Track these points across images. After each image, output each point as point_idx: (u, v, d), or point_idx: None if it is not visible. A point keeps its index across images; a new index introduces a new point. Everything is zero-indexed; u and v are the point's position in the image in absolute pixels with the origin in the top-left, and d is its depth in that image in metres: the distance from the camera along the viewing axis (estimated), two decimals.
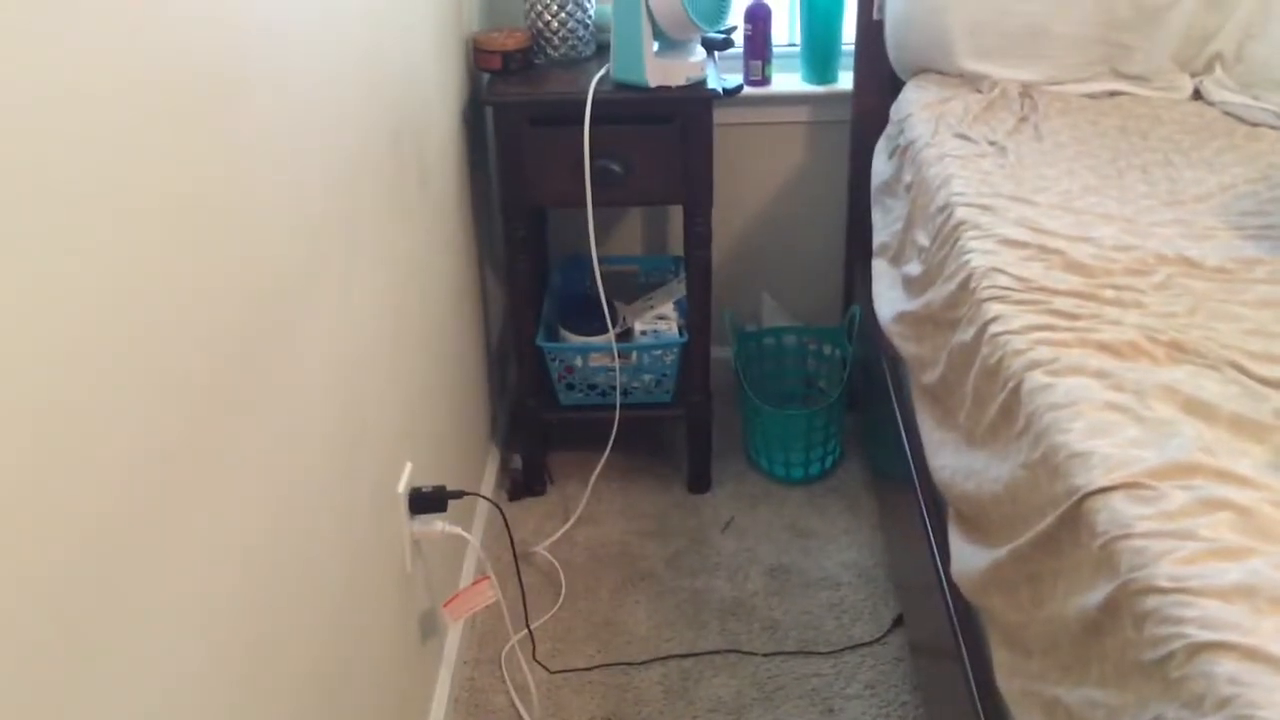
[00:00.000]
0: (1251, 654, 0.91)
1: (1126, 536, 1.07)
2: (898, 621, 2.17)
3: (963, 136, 2.07)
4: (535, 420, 2.53)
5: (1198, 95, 2.28)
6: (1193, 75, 2.30)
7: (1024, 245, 1.64)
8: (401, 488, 1.67)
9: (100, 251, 0.81)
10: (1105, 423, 1.22)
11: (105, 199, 0.81)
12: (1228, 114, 2.17)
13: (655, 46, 2.18)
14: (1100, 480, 1.14)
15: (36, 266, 0.73)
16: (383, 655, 1.58)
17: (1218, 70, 2.27)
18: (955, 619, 1.62)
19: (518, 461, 2.61)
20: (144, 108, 0.88)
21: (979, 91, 2.27)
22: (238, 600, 1.06)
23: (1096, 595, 1.09)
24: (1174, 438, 1.18)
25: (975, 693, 1.50)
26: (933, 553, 1.77)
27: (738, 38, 2.56)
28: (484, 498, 2.12)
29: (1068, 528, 1.17)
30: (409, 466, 1.71)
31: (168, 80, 0.92)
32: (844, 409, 2.63)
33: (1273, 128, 2.08)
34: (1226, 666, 0.91)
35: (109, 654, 0.81)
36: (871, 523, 2.47)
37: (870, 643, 2.15)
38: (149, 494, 0.88)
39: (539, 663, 2.11)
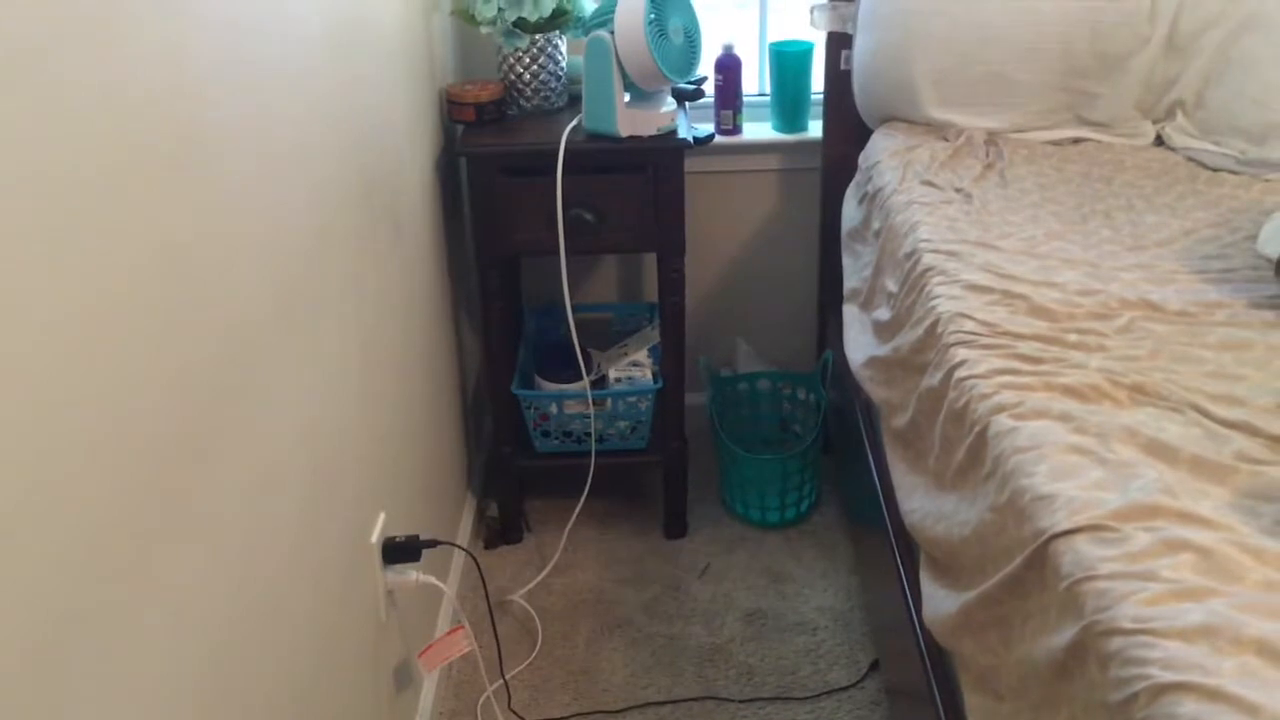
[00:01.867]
0: (1213, 694, 0.92)
1: (1091, 578, 1.08)
2: (874, 666, 2.17)
3: (929, 184, 2.10)
4: (511, 468, 2.53)
5: (1160, 141, 2.32)
6: (1155, 122, 2.35)
7: (989, 290, 1.66)
8: (375, 538, 1.67)
9: (70, 302, 0.81)
10: (1069, 465, 1.24)
11: (71, 259, 0.82)
12: (1190, 159, 2.21)
13: (626, 97, 2.20)
14: (1065, 523, 1.15)
15: (2, 316, 0.74)
16: (357, 706, 1.57)
17: (1179, 117, 2.31)
18: (928, 663, 1.63)
19: (494, 509, 2.61)
20: (109, 173, 0.89)
21: (945, 139, 2.31)
22: (209, 651, 1.06)
23: (1063, 637, 1.10)
24: (1136, 480, 1.19)
25: None
26: (905, 596, 1.77)
27: (708, 88, 2.59)
28: (457, 546, 2.12)
29: (1034, 570, 1.19)
30: (382, 516, 1.72)
31: (132, 144, 0.93)
32: (819, 453, 2.64)
33: (1233, 173, 2.12)
34: (1189, 707, 0.92)
35: (74, 699, 0.81)
36: (848, 567, 2.47)
37: (847, 688, 2.14)
38: (114, 545, 0.88)
39: (515, 712, 2.10)
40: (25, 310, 0.76)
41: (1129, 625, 1.01)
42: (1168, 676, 0.95)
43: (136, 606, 0.91)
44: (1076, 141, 2.33)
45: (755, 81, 2.89)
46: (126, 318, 0.90)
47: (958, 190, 2.07)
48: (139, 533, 0.92)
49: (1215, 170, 2.14)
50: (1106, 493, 1.18)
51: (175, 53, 1.01)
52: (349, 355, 1.58)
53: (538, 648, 2.26)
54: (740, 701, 2.12)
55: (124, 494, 0.89)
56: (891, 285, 1.91)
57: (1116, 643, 1.01)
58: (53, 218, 0.80)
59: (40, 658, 0.77)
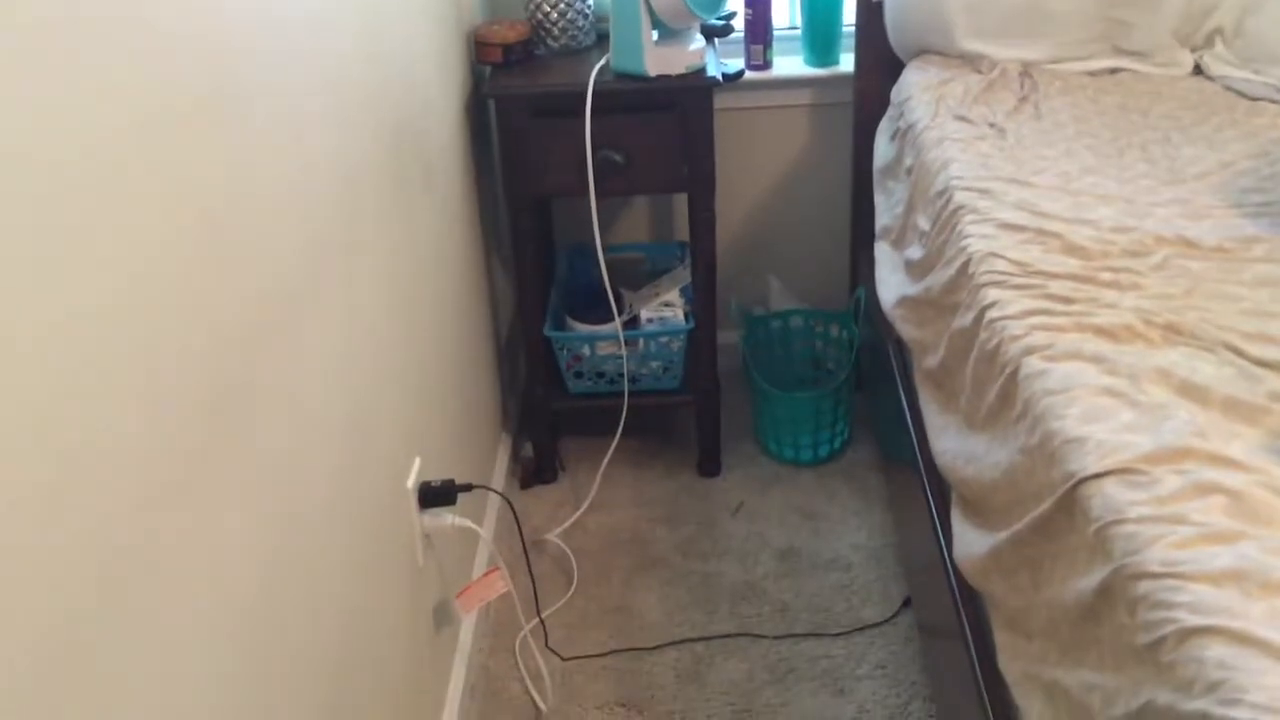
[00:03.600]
0: (1241, 638, 0.93)
1: (1120, 522, 1.08)
2: (907, 603, 2.19)
3: (962, 119, 2.07)
4: (545, 409, 2.55)
5: (1199, 71, 2.27)
6: (1193, 50, 2.30)
7: (1022, 229, 1.65)
8: (411, 483, 1.69)
9: (104, 259, 0.83)
10: (1100, 408, 1.23)
11: (105, 212, 0.83)
12: (1228, 89, 2.17)
13: (654, 35, 2.18)
14: (1094, 466, 1.15)
15: (37, 279, 0.75)
16: (398, 647, 1.61)
17: (1218, 45, 2.27)
18: (959, 601, 1.64)
19: (529, 450, 2.63)
20: (142, 122, 0.89)
21: (979, 72, 2.27)
22: (251, 597, 1.08)
23: (1092, 580, 1.10)
24: (1167, 421, 1.19)
25: (979, 673, 1.52)
26: (937, 535, 1.78)
27: (738, 22, 2.56)
28: (492, 490, 2.15)
29: (1064, 513, 1.19)
30: (418, 461, 1.74)
31: (164, 92, 0.94)
32: (852, 391, 2.64)
33: (1273, 102, 2.08)
34: (1216, 651, 0.92)
35: (120, 646, 0.84)
36: (880, 504, 2.48)
37: (880, 624, 2.16)
38: (157, 496, 0.90)
39: (552, 650, 2.14)
40: (58, 276, 0.77)
41: (1157, 569, 1.02)
42: (1195, 620, 0.95)
43: (179, 561, 0.93)
44: (1113, 72, 2.29)
45: (786, 14, 2.85)
46: (159, 276, 0.91)
47: (991, 125, 2.05)
48: (181, 486, 0.94)
49: (1254, 100, 2.10)
50: (1137, 435, 1.18)
51: (205, 2, 1.01)
52: (382, 301, 1.59)
53: (573, 586, 2.30)
54: (774, 638, 2.15)
55: (164, 453, 0.91)
56: (923, 223, 1.90)
57: (1145, 586, 1.02)
58: (83, 177, 0.81)
59: (84, 616, 0.79)
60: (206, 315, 1.00)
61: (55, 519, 0.76)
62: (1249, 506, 1.06)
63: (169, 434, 0.92)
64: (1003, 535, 1.33)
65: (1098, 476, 1.14)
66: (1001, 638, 1.35)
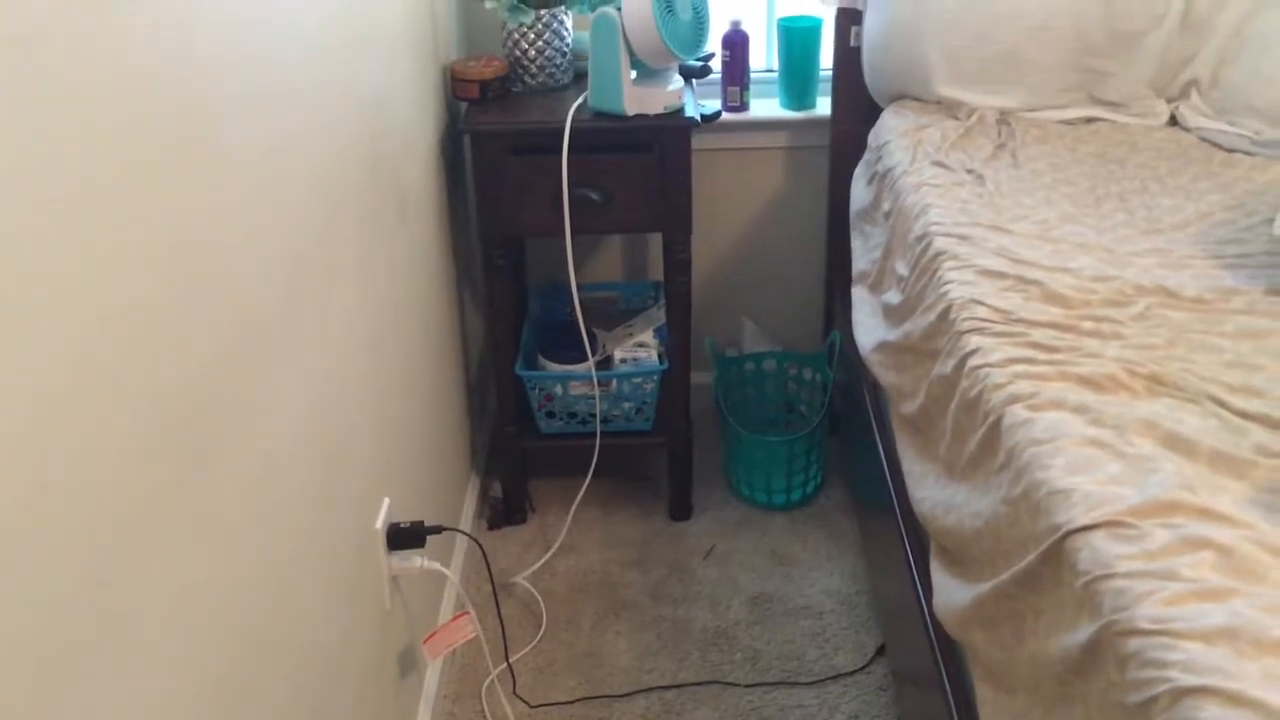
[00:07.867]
0: (1235, 699, 0.90)
1: (1109, 576, 1.06)
2: (880, 650, 2.16)
3: (940, 164, 2.07)
4: (515, 449, 2.51)
5: (1174, 121, 2.28)
6: (1169, 101, 2.31)
7: (1003, 276, 1.64)
8: (379, 524, 1.65)
9: (74, 294, 0.79)
10: (1086, 459, 1.22)
11: (78, 242, 0.80)
12: (1204, 140, 2.18)
13: (633, 75, 2.17)
14: (1082, 518, 1.13)
15: (7, 308, 0.71)
16: (362, 692, 1.56)
17: (1194, 96, 2.28)
18: (937, 649, 1.61)
19: (498, 490, 2.59)
20: (118, 158, 0.86)
21: (956, 118, 2.28)
22: (216, 638, 1.04)
23: (1079, 635, 1.08)
24: (1154, 474, 1.17)
25: None
26: (914, 581, 1.76)
27: (716, 64, 2.56)
28: (462, 532, 2.11)
29: (1049, 566, 1.17)
30: (386, 502, 1.70)
31: (141, 127, 0.91)
32: (825, 434, 2.62)
33: (1248, 154, 2.09)
34: (1211, 712, 0.90)
35: (83, 691, 0.80)
36: (853, 549, 2.46)
37: (853, 672, 2.13)
38: (125, 532, 0.86)
39: (519, 697, 2.09)
40: (29, 309, 0.74)
41: (1148, 626, 0.99)
42: (1189, 680, 0.93)
43: (144, 602, 0.90)
44: (1090, 121, 2.30)
45: (763, 58, 2.85)
46: (131, 310, 0.88)
47: (969, 171, 2.04)
48: (146, 528, 0.90)
49: (1230, 151, 2.11)
50: (1124, 487, 1.16)
51: (180, 35, 0.99)
52: (354, 339, 1.56)
53: (542, 631, 2.25)
54: (746, 686, 2.11)
55: (131, 490, 0.87)
56: (902, 269, 1.89)
57: (1135, 643, 0.99)
58: (57, 211, 0.78)
59: (51, 657, 0.76)
60: (177, 351, 0.97)
61: (8, 567, 0.72)
62: (1239, 562, 1.05)
63: (134, 470, 0.89)
64: (985, 587, 1.31)
65: (1085, 529, 1.12)
66: (983, 691, 1.32)
